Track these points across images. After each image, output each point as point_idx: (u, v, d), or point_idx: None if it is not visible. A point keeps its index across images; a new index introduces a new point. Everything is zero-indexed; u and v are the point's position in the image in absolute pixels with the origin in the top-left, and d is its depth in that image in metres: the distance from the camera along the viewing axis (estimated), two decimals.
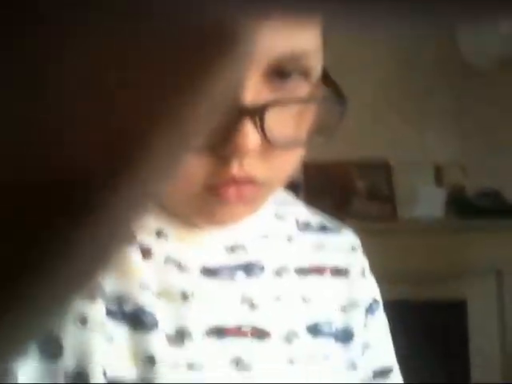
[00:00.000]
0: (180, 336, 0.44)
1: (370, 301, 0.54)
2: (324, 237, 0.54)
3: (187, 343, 0.44)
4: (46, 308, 0.15)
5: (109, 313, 0.43)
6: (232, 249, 0.48)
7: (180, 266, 0.46)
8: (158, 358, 0.43)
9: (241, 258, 0.48)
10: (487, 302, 2.63)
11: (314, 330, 0.49)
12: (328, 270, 0.52)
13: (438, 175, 2.56)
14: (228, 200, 0.41)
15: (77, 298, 0.16)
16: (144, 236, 0.46)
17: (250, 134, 0.38)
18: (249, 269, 0.48)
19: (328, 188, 2.50)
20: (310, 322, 0.49)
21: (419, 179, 2.54)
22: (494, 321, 2.64)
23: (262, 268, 0.49)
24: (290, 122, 0.42)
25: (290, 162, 0.44)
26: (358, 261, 0.54)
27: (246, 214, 0.44)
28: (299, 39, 0.39)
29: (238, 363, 0.45)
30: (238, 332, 0.46)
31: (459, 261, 2.54)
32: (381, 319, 0.55)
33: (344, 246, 0.54)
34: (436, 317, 2.62)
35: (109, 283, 0.44)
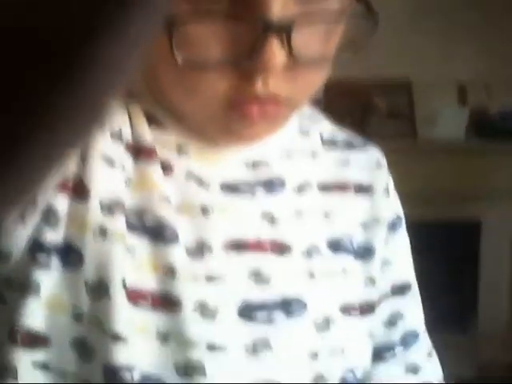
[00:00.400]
0: (200, 249, 0.45)
1: (393, 218, 0.53)
2: (349, 153, 0.52)
3: (206, 256, 0.45)
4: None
5: (129, 226, 0.44)
6: (253, 165, 0.48)
7: (200, 182, 0.46)
8: (177, 269, 0.43)
9: (262, 173, 0.48)
10: (502, 225, 2.64)
11: (335, 245, 0.49)
12: (351, 187, 0.51)
13: (461, 94, 2.51)
14: (251, 119, 0.41)
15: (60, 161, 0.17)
16: (165, 151, 0.46)
17: (276, 51, 0.37)
18: (269, 185, 0.48)
19: (348, 105, 2.46)
20: (331, 237, 0.49)
21: (441, 98, 2.48)
22: (506, 244, 2.66)
23: (283, 184, 0.48)
24: (317, 38, 0.40)
25: (315, 81, 0.43)
26: (383, 178, 0.53)
27: (268, 132, 0.44)
28: None
29: (257, 276, 0.45)
30: (257, 245, 0.46)
31: (477, 183, 2.52)
32: (402, 237, 0.55)
33: (369, 162, 0.53)
34: (449, 237, 2.64)
35: (129, 197, 0.44)
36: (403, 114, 2.50)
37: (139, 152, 0.45)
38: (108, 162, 0.44)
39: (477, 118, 2.50)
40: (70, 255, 0.43)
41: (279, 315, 0.45)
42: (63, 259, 0.43)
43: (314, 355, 0.46)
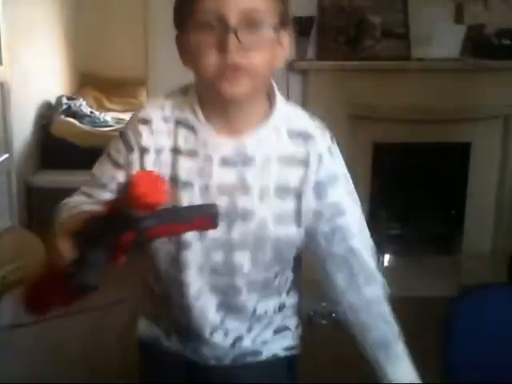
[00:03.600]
0: (206, 190, 0.88)
1: (323, 180, 0.89)
2: (302, 141, 0.89)
3: (210, 195, 0.88)
4: None
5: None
6: (236, 150, 0.87)
7: (209, 159, 0.87)
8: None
9: (241, 154, 0.87)
10: (491, 146, 2.63)
11: (279, 191, 0.89)
12: (298, 161, 0.89)
13: (458, 10, 2.43)
14: (229, 76, 0.80)
15: None
16: (199, 147, 0.87)
17: (231, 40, 0.78)
18: (244, 160, 0.87)
19: (342, 23, 2.39)
20: (277, 186, 0.89)
21: (438, 15, 2.41)
22: (495, 166, 2.66)
23: (253, 160, 0.87)
24: (254, 38, 0.80)
25: (258, 59, 0.81)
26: (316, 155, 0.89)
27: (244, 87, 0.81)
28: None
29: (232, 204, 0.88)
30: (231, 195, 0.88)
31: (469, 103, 2.50)
32: (336, 188, 0.90)
33: (313, 148, 0.89)
34: (439, 158, 2.65)
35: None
36: (398, 32, 2.43)
37: (180, 152, 0.88)
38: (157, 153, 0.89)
39: (474, 36, 2.45)
40: None
41: (238, 218, 0.89)
42: None
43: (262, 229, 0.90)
